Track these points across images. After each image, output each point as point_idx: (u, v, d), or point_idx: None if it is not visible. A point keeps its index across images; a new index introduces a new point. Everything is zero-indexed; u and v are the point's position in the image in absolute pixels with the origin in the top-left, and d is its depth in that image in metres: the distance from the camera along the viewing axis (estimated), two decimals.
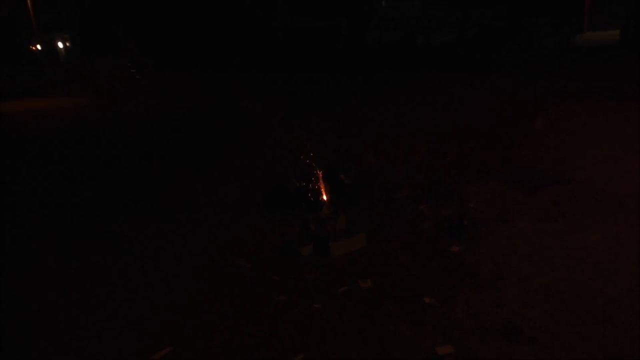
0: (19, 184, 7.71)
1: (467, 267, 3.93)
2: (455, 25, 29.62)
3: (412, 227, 4.75)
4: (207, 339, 3.26)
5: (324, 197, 5.00)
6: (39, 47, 43.21)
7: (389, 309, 3.44)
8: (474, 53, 19.17)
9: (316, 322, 3.36)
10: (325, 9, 33.57)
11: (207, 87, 14.92)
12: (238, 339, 3.23)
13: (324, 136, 8.11)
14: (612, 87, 10.87)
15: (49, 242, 5.10)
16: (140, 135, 10.78)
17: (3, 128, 13.97)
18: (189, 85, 15.67)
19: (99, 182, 7.23)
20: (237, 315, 3.50)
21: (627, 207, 4.81)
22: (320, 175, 5.04)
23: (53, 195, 6.85)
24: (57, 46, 41.01)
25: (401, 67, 15.11)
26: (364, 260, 4.19)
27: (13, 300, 3.95)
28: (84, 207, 6.16)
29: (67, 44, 41.67)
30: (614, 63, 14.74)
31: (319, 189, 5.00)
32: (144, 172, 7.58)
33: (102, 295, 3.91)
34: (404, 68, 14.95)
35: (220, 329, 3.35)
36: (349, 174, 5.48)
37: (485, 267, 3.91)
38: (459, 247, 4.27)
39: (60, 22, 41.35)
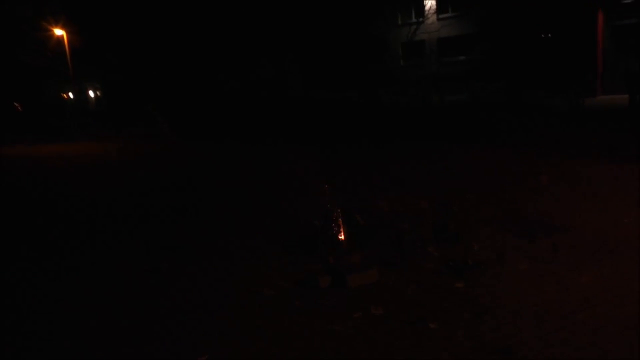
0: (59, 224, 8.36)
1: (469, 299, 4.40)
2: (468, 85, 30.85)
3: (420, 265, 5.24)
4: (238, 351, 3.75)
5: (342, 236, 5.53)
6: (70, 95, 45.38)
7: (398, 331, 3.91)
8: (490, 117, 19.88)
9: (333, 341, 3.84)
10: (336, 83, 35.39)
11: (232, 155, 15.74)
12: (264, 350, 3.72)
13: (342, 189, 8.68)
14: (614, 150, 11.40)
15: (108, 281, 5.66)
16: (172, 187, 11.47)
17: (37, 173, 14.83)
18: (217, 154, 16.54)
19: (138, 230, 7.84)
20: (265, 331, 4.00)
21: (617, 253, 5.25)
22: (339, 217, 5.59)
23: (100, 239, 7.46)
24: (89, 95, 43.09)
25: (416, 136, 15.89)
26: (376, 291, 4.68)
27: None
28: (131, 249, 6.75)
29: (98, 93, 43.75)
30: (619, 126, 15.31)
31: (338, 228, 5.53)
32: (178, 222, 8.10)
33: (158, 319, 4.43)
34: (419, 137, 15.70)
35: (251, 342, 3.85)
36: (364, 216, 6.02)
37: (485, 299, 4.38)
38: (462, 283, 4.74)
39: (92, 72, 43.51)
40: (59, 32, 28.21)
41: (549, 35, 30.37)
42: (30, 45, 33.28)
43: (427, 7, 35.89)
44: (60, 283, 5.45)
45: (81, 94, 39.63)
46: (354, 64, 37.43)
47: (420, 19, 36.42)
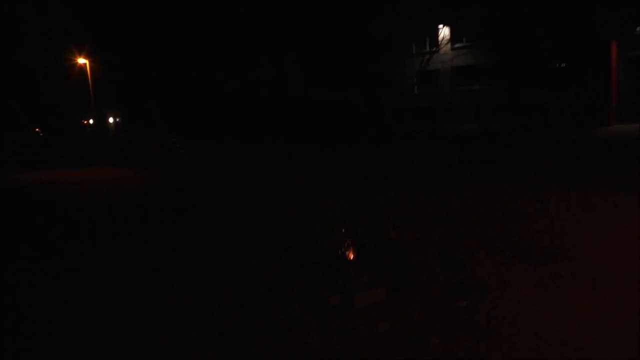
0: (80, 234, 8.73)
1: (470, 320, 4.61)
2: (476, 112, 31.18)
3: (425, 288, 5.46)
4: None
5: (350, 258, 5.77)
6: (91, 121, 46.53)
7: (402, 345, 4.15)
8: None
9: (340, 352, 4.08)
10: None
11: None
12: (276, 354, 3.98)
13: (350, 202, 8.96)
14: (620, 179, 11.53)
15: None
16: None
17: (57, 195, 15.32)
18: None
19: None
20: (276, 344, 4.26)
21: (618, 281, 5.42)
22: (347, 239, 5.84)
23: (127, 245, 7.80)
24: (108, 121, 44.19)
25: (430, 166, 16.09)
26: (383, 309, 4.92)
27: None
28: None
29: (117, 119, 44.88)
30: (627, 156, 15.41)
31: (347, 250, 5.78)
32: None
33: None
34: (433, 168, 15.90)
35: (267, 346, 4.11)
36: (373, 240, 6.27)
37: (486, 320, 4.59)
38: (465, 303, 4.96)
39: (111, 99, 44.66)
40: (82, 61, 29.21)
41: (564, 65, 30.68)
42: (55, 75, 34.45)
43: (440, 37, 36.48)
44: (66, 279, 5.77)
45: (101, 121, 40.61)
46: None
47: (435, 49, 36.99)
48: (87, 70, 29.10)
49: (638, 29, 29.09)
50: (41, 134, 58.01)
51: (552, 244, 6.94)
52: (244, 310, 5.16)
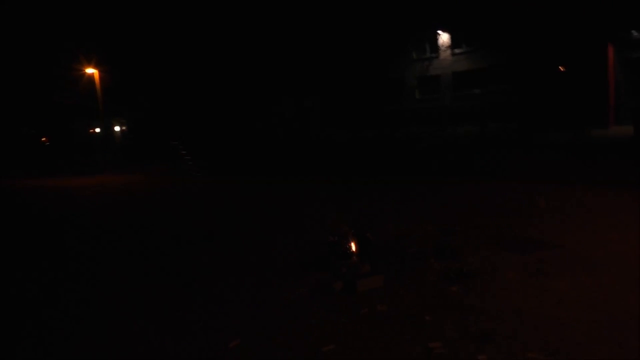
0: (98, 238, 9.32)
1: (460, 300, 5.17)
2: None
3: (421, 275, 6.02)
4: (269, 334, 4.59)
5: (353, 249, 6.34)
6: (97, 130, 47.17)
7: (398, 322, 4.71)
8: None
9: (343, 329, 4.65)
10: (354, 123, 36.78)
11: (253, 189, 16.73)
12: (289, 333, 4.55)
13: (357, 213, 9.54)
14: (609, 177, 12.08)
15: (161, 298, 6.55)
16: (196, 215, 12.42)
17: (71, 203, 15.94)
18: (238, 186, 17.61)
19: (170, 250, 8.76)
20: (290, 321, 4.84)
21: (597, 267, 5.96)
22: (351, 233, 6.42)
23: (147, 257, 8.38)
24: (114, 130, 44.89)
25: (427, 172, 16.58)
26: (381, 293, 5.47)
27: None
28: (164, 264, 7.65)
29: (124, 128, 45.57)
30: (619, 156, 15.92)
31: (350, 242, 6.35)
32: (208, 246, 9.02)
33: (193, 311, 5.30)
34: (430, 172, 16.39)
35: (278, 329, 4.69)
36: (373, 233, 6.84)
37: (473, 299, 5.15)
38: (456, 288, 5.51)
39: (119, 109, 45.23)
40: (90, 70, 29.89)
41: (562, 68, 31.19)
42: (63, 84, 35.18)
43: (440, 42, 37.06)
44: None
45: (107, 129, 41.30)
46: (371, 105, 38.77)
47: (434, 54, 37.58)
48: (95, 80, 29.80)
49: (634, 32, 29.59)
50: (47, 143, 58.82)
51: (540, 234, 7.50)
52: (263, 290, 5.77)
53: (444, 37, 36.62)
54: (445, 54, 36.88)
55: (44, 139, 59.02)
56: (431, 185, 13.62)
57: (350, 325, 4.72)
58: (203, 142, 31.25)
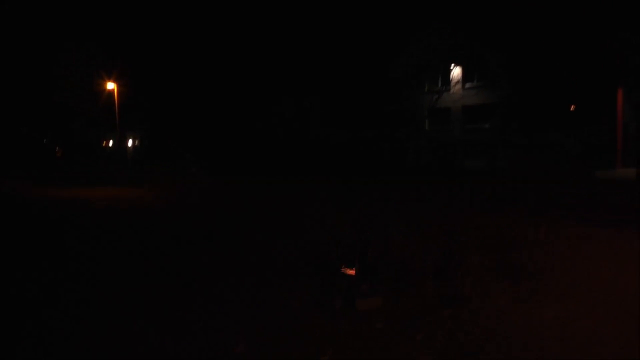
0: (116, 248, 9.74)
1: (452, 321, 5.51)
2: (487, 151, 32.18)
3: (418, 296, 6.36)
4: (275, 344, 4.95)
5: (354, 269, 6.70)
6: (110, 142, 48.20)
7: (393, 338, 5.06)
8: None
9: (342, 341, 5.00)
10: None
11: (253, 189, 17.11)
12: (288, 340, 4.90)
13: (356, 214, 9.89)
14: (609, 216, 12.39)
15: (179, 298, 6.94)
16: (201, 216, 12.84)
17: (88, 213, 16.41)
18: (239, 187, 18.00)
19: (176, 251, 9.16)
20: (290, 334, 5.20)
21: (584, 296, 6.29)
22: (353, 254, 6.79)
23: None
24: (127, 144, 45.81)
25: (436, 200, 16.83)
26: (380, 312, 5.82)
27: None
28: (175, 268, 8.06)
29: (136, 142, 46.47)
30: (620, 197, 16.22)
31: (351, 265, 6.72)
32: (215, 250, 9.43)
33: (197, 316, 5.68)
34: (439, 202, 16.62)
35: (278, 336, 5.04)
36: (374, 255, 7.20)
37: (464, 322, 5.49)
38: (449, 311, 5.85)
39: (132, 121, 46.16)
40: (110, 85, 30.75)
41: (573, 107, 31.66)
42: (82, 96, 36.18)
43: (452, 76, 37.75)
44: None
45: (121, 142, 42.13)
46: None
47: (446, 87, 38.24)
48: (114, 94, 30.65)
49: None
50: (59, 155, 59.97)
51: (533, 264, 7.83)
52: (265, 306, 6.11)
53: (456, 71, 37.30)
54: (456, 88, 37.53)
55: (57, 149, 60.16)
56: (434, 215, 13.98)
57: (348, 338, 5.07)
58: (207, 145, 31.81)
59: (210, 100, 36.92)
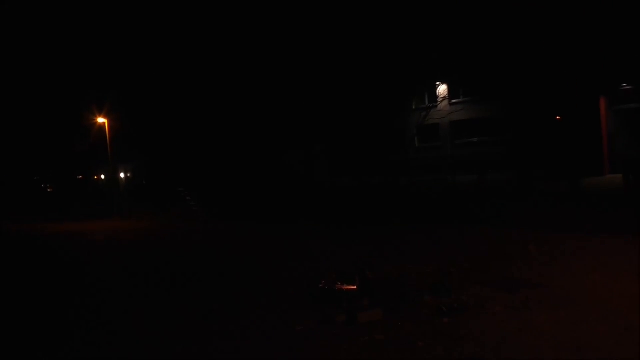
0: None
1: (450, 330, 5.78)
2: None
3: (417, 309, 6.64)
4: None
5: (355, 286, 6.98)
6: (102, 176, 48.30)
7: (394, 348, 5.33)
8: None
9: (345, 353, 5.26)
10: (359, 170, 37.81)
11: (260, 231, 17.44)
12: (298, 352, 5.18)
13: (360, 252, 10.21)
14: (595, 225, 12.73)
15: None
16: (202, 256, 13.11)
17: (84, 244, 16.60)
18: (240, 228, 18.36)
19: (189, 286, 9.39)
20: (297, 345, 5.46)
21: (575, 303, 6.57)
22: (353, 272, 7.08)
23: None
24: (119, 176, 45.86)
25: (428, 218, 17.06)
26: (380, 325, 6.09)
27: None
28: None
29: (128, 175, 46.65)
30: (608, 205, 16.58)
31: (352, 281, 7.00)
32: (221, 284, 9.68)
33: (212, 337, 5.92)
34: (431, 219, 16.84)
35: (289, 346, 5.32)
36: (374, 271, 7.49)
37: (462, 330, 5.76)
38: (448, 320, 6.13)
39: (124, 155, 46.20)
40: (101, 120, 31.03)
41: (558, 118, 32.31)
42: (74, 132, 36.45)
43: (439, 92, 38.42)
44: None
45: (113, 175, 42.27)
46: (375, 154, 39.68)
47: (433, 104, 38.88)
48: (105, 129, 30.88)
49: (624, 84, 30.85)
50: (49, 190, 59.86)
51: (527, 276, 8.13)
52: (273, 320, 6.38)
53: (441, 88, 38.00)
54: (443, 104, 38.18)
55: (48, 185, 60.11)
56: (430, 230, 14.26)
57: (351, 351, 5.33)
58: (210, 187, 32.01)
59: (215, 143, 37.43)
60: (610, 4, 27.93)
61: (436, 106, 38.47)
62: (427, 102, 39.71)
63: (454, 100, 38.12)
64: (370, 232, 14.71)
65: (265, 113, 35.85)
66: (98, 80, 39.01)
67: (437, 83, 38.42)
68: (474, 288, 7.57)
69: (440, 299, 6.99)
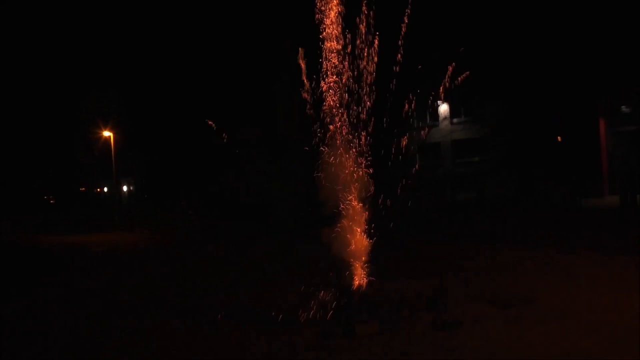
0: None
1: (445, 342, 5.99)
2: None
3: (412, 323, 6.83)
4: None
5: (353, 301, 7.17)
6: (105, 189, 48.65)
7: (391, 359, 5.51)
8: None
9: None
10: None
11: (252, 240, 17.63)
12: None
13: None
14: (591, 243, 12.93)
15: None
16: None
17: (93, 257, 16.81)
18: (238, 235, 18.55)
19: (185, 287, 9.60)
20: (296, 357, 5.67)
21: (567, 317, 6.78)
22: (351, 288, 7.28)
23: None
24: (122, 189, 46.25)
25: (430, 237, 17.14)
26: (377, 338, 6.29)
27: None
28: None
29: (131, 188, 47.03)
30: (606, 224, 16.83)
31: (350, 297, 7.20)
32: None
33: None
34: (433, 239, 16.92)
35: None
36: (372, 290, 7.68)
37: (456, 343, 5.97)
38: (442, 334, 6.32)
39: (127, 168, 46.60)
40: (107, 133, 31.40)
41: (559, 139, 32.60)
42: (79, 144, 36.85)
43: (440, 112, 38.78)
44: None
45: (116, 188, 42.61)
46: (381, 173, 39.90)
47: (435, 123, 39.20)
48: (111, 142, 31.20)
49: (623, 107, 31.24)
50: (52, 202, 60.19)
51: (520, 292, 8.32)
52: (273, 331, 6.57)
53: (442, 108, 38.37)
54: (444, 123, 38.53)
55: (50, 197, 60.48)
56: (427, 248, 14.46)
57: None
58: (207, 199, 32.27)
59: (215, 155, 37.85)
60: (608, 30, 28.43)
61: (438, 124, 38.80)
62: (428, 121, 40.11)
63: (455, 120, 38.49)
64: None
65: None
66: (104, 92, 39.54)
67: (439, 102, 38.82)
68: (468, 303, 7.77)
69: (435, 314, 7.18)
